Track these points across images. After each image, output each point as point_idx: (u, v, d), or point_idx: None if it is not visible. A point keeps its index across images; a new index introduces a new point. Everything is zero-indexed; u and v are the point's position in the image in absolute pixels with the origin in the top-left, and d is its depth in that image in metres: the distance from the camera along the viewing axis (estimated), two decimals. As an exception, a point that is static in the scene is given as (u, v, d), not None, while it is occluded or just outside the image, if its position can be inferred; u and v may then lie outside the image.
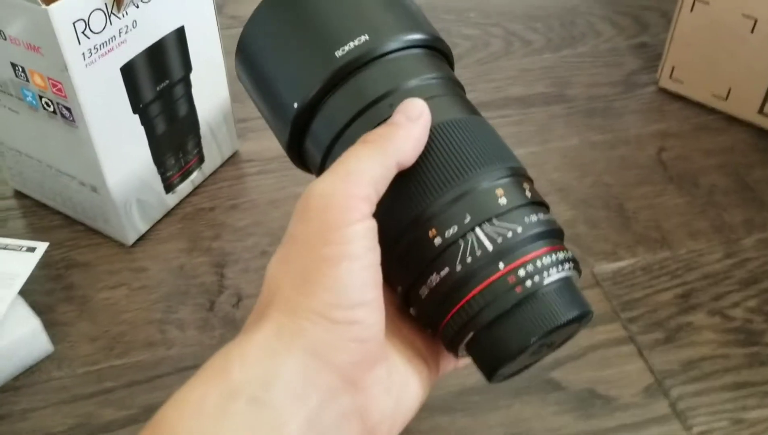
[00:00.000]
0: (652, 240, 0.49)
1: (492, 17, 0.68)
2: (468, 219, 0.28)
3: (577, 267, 0.30)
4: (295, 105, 0.32)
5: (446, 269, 0.28)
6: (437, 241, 0.28)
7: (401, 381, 0.29)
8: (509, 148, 0.32)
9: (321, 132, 0.32)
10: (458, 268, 0.28)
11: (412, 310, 0.31)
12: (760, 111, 0.56)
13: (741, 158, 0.55)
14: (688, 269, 0.47)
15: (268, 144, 0.56)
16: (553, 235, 0.30)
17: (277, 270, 0.27)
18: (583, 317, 0.29)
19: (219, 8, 0.48)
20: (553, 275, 0.28)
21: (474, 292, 0.28)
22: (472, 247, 0.28)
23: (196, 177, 0.52)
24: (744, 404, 0.40)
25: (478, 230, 0.28)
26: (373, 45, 0.31)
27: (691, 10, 0.56)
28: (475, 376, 0.41)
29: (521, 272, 0.28)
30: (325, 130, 0.32)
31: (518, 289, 0.28)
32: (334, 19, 0.32)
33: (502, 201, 0.29)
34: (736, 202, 0.51)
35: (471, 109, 0.32)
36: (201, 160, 0.52)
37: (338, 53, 0.31)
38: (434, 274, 0.29)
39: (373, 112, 0.31)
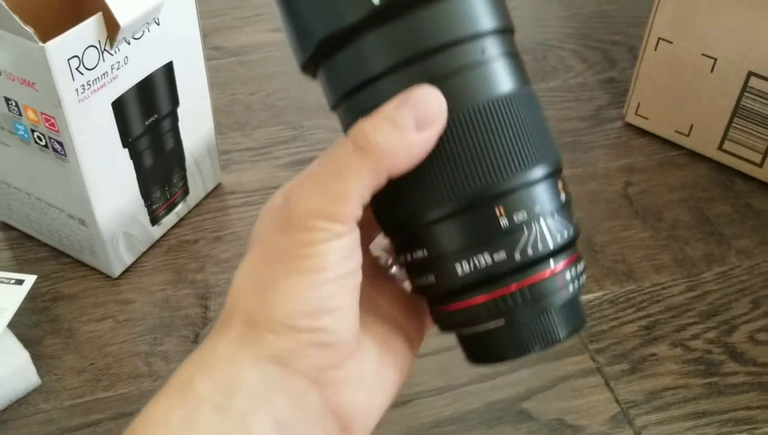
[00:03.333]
0: (619, 273, 0.51)
1: (467, 51, 0.71)
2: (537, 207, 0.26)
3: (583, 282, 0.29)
4: (330, 26, 0.26)
5: (503, 253, 0.26)
6: (503, 221, 0.26)
7: (374, 371, 0.28)
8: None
9: (353, 64, 0.27)
10: (517, 256, 0.26)
11: (417, 282, 0.28)
12: (720, 147, 0.59)
13: (702, 193, 0.57)
14: (652, 302, 0.49)
15: (250, 176, 0.58)
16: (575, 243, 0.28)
17: (243, 279, 0.27)
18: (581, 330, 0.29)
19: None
20: (576, 285, 0.27)
21: (513, 287, 0.26)
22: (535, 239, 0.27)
23: (180, 209, 0.54)
24: (703, 432, 0.42)
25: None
26: None
27: (655, 48, 0.59)
28: (451, 407, 0.43)
29: (567, 275, 0.27)
30: (362, 63, 0.27)
31: (563, 292, 0.27)
32: None
33: (562, 197, 0.28)
34: (697, 237, 0.54)
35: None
36: (186, 192, 0.54)
37: None
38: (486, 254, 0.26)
39: (433, 63, 0.26)
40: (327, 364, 0.26)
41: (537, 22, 0.75)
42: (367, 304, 0.28)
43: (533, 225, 0.26)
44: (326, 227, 0.25)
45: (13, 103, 0.43)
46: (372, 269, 0.31)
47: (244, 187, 0.57)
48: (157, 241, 0.52)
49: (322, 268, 0.25)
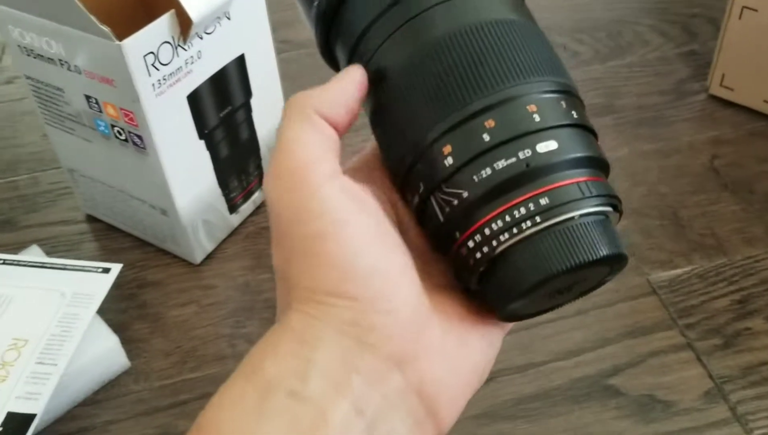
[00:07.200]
0: (708, 247, 0.49)
1: (538, 32, 0.69)
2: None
3: (617, 207, 0.26)
4: None
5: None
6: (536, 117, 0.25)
7: (459, 339, 0.26)
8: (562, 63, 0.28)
9: (350, 21, 0.28)
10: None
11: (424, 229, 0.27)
12: (814, 115, 0.56)
13: (796, 163, 0.55)
14: (745, 275, 0.47)
15: (324, 163, 0.58)
16: (596, 165, 0.26)
17: (276, 256, 0.26)
18: (615, 260, 0.25)
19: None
20: (588, 208, 0.25)
21: (500, 209, 0.25)
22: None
23: (257, 197, 0.55)
24: (807, 408, 0.40)
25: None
26: None
27: (740, 17, 0.57)
28: (533, 385, 0.42)
29: (552, 198, 0.24)
30: (356, 18, 0.28)
31: (548, 216, 0.24)
32: None
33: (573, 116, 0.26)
34: (792, 207, 0.51)
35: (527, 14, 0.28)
36: (262, 181, 0.54)
37: None
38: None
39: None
40: (398, 333, 0.24)
41: (610, 1, 0.72)
42: (437, 276, 0.27)
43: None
44: (300, 177, 0.25)
45: (94, 101, 0.45)
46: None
47: (319, 174, 0.57)
48: (236, 228, 0.53)
49: (336, 224, 0.24)
